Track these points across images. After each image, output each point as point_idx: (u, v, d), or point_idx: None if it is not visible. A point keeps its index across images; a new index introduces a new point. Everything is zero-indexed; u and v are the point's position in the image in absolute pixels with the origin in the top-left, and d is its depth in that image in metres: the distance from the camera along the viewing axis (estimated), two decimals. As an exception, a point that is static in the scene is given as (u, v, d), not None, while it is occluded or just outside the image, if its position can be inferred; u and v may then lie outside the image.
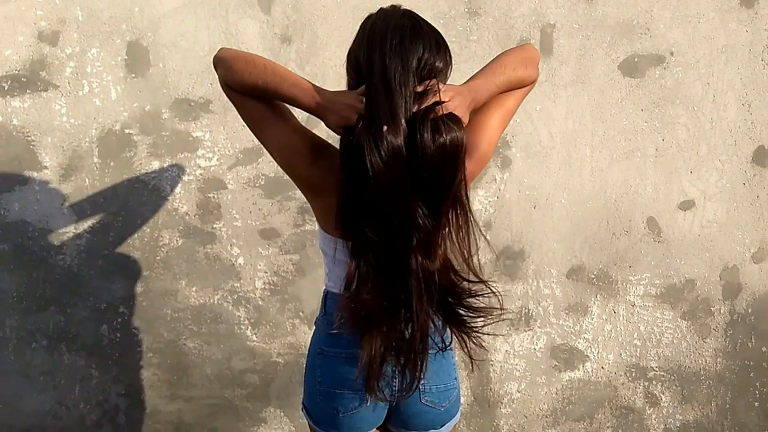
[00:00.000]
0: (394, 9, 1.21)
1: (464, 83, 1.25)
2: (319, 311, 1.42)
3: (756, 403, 2.40)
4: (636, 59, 2.11)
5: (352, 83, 1.22)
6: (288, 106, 1.27)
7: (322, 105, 1.18)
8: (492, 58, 1.33)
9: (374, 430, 1.43)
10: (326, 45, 2.02)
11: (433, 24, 1.22)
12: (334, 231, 1.24)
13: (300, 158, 1.24)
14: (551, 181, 2.18)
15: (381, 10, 1.21)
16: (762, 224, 2.26)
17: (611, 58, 2.10)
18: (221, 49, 1.28)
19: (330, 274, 1.35)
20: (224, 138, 2.06)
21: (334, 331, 1.30)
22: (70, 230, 2.09)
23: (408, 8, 1.22)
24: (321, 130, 1.39)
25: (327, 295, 1.37)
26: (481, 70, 1.29)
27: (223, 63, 1.24)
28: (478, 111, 1.27)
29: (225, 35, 1.99)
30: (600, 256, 2.25)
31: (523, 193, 2.18)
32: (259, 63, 1.21)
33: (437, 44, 1.18)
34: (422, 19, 1.20)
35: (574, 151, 2.16)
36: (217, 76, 1.29)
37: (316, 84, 1.22)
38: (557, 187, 2.18)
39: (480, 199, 2.18)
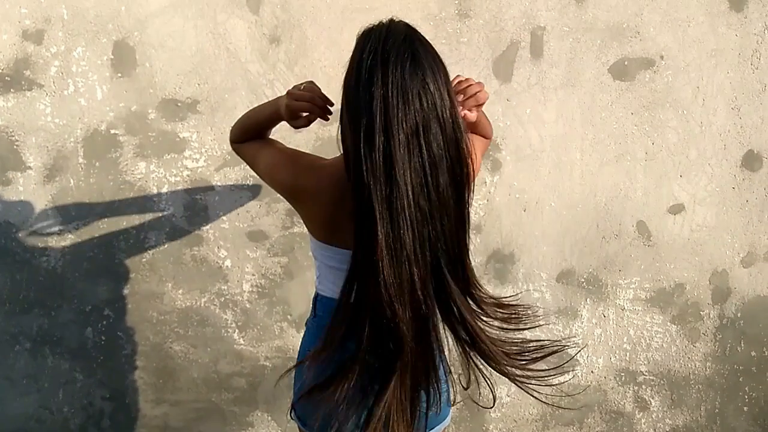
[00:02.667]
0: (396, 29, 1.14)
1: None
2: (309, 313, 1.42)
3: (745, 408, 2.39)
4: (626, 62, 2.10)
5: (346, 113, 1.15)
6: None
7: (278, 103, 1.34)
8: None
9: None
10: (315, 46, 2.00)
11: (422, 26, 1.20)
12: (323, 237, 1.25)
13: (284, 170, 1.28)
14: (541, 184, 2.17)
15: (380, 26, 1.14)
16: (751, 228, 2.26)
17: (601, 61, 2.10)
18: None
19: (321, 278, 1.36)
20: (212, 139, 2.04)
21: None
22: (54, 231, 2.06)
23: (408, 24, 1.16)
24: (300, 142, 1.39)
25: (317, 298, 1.37)
26: None
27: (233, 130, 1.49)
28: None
29: (213, 35, 1.97)
30: (590, 260, 2.24)
31: (513, 197, 2.17)
32: (245, 114, 1.46)
33: (439, 72, 1.13)
34: (422, 40, 1.14)
35: (564, 154, 2.15)
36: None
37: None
38: (547, 190, 2.17)
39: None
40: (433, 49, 1.15)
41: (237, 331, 2.19)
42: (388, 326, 1.12)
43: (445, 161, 1.10)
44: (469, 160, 1.14)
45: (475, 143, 1.33)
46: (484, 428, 2.35)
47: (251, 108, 1.47)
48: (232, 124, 1.49)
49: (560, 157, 2.15)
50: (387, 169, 1.07)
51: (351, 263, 1.15)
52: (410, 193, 1.08)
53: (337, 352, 1.30)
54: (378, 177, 1.07)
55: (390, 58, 1.09)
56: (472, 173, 1.15)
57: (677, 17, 2.08)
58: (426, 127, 1.08)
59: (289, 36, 2.00)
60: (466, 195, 1.15)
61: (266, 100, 1.50)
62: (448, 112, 1.11)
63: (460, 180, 1.13)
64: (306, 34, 2.00)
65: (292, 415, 1.42)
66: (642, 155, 2.17)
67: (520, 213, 2.18)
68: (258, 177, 1.44)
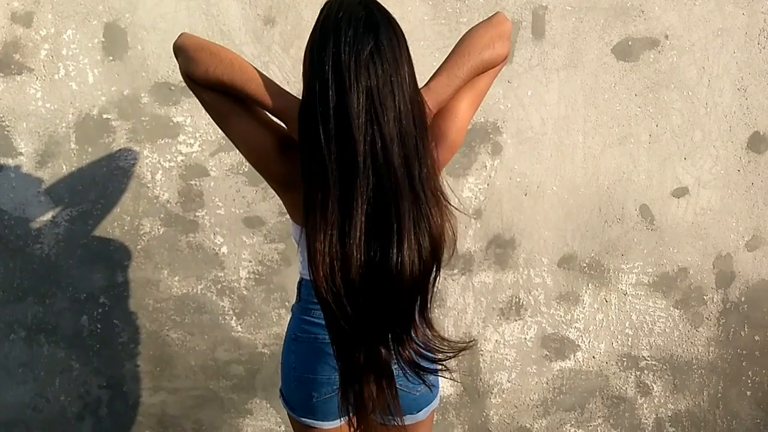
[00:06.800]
0: None
1: (426, 84, 1.20)
2: (295, 298, 1.40)
3: (748, 393, 2.37)
4: (630, 42, 2.05)
5: (306, 81, 1.12)
6: None
7: (287, 115, 1.15)
8: (459, 40, 1.25)
9: (351, 415, 1.40)
10: (311, 27, 1.93)
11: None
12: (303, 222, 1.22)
13: (266, 154, 1.19)
14: (543, 167, 2.13)
15: None
16: (756, 212, 2.22)
17: (605, 41, 2.05)
18: (182, 35, 1.20)
19: (304, 262, 1.33)
20: (206, 123, 2.00)
21: (309, 317, 1.32)
22: (47, 218, 2.03)
23: None
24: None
25: (302, 283, 1.36)
26: (445, 59, 1.22)
27: (185, 53, 1.16)
28: None
29: (205, 16, 1.92)
30: (592, 245, 2.21)
31: (514, 180, 2.13)
32: (225, 57, 1.14)
33: (394, 35, 1.10)
34: (379, 5, 1.13)
35: (566, 137, 2.11)
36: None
37: (300, 67, 1.17)
38: (549, 174, 2.14)
39: (470, 187, 2.13)
40: (390, 14, 1.13)
41: (234, 318, 2.16)
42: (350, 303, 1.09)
43: (402, 125, 1.05)
44: (421, 130, 1.08)
45: (473, 85, 1.23)
46: (484, 414, 2.33)
47: (228, 52, 1.16)
48: (185, 41, 1.17)
49: (562, 140, 2.11)
50: (341, 130, 1.03)
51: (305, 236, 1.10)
52: (365, 154, 1.03)
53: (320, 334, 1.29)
54: (331, 137, 1.04)
55: (343, 18, 1.06)
56: (423, 144, 1.09)
57: (682, -5, 2.03)
58: (381, 87, 1.04)
59: (285, 17, 1.95)
60: (425, 149, 1.08)
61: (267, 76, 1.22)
62: (405, 74, 1.08)
63: (422, 144, 1.08)
64: (302, 15, 1.95)
65: (281, 401, 1.42)
66: (646, 137, 2.13)
67: (521, 197, 2.15)
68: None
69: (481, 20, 1.29)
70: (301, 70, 1.17)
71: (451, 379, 1.24)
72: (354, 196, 1.04)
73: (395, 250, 1.05)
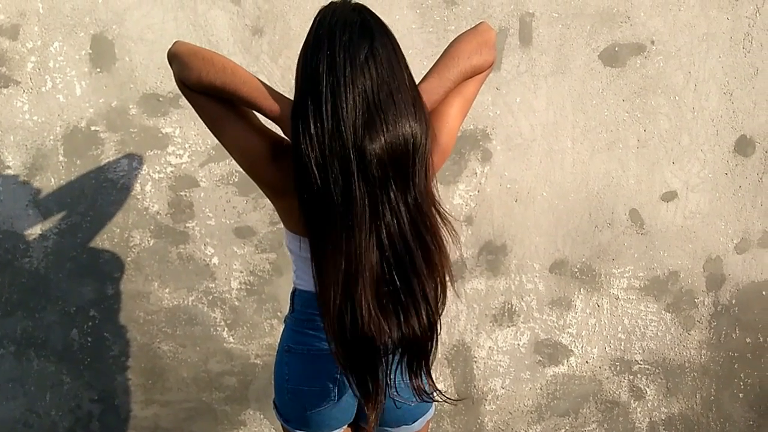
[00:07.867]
0: (344, 3, 1.16)
1: (417, 86, 1.20)
2: (288, 309, 1.40)
3: (741, 395, 2.38)
4: (616, 48, 2.07)
5: (299, 84, 1.13)
6: None
7: (280, 118, 1.16)
8: (446, 47, 1.28)
9: (345, 426, 1.41)
10: (299, 36, 1.95)
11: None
12: (297, 229, 1.21)
13: (260, 159, 1.19)
14: (532, 173, 2.14)
15: (331, 4, 1.15)
16: (744, 214, 2.23)
17: (591, 47, 2.06)
18: (176, 42, 1.21)
19: (297, 272, 1.34)
20: (195, 134, 1.99)
21: (302, 329, 1.31)
22: (36, 232, 2.02)
23: (358, 1, 1.17)
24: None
25: (295, 293, 1.36)
26: (435, 64, 1.24)
27: (179, 59, 1.17)
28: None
29: (193, 27, 1.92)
30: (583, 250, 2.21)
31: (504, 187, 2.14)
32: (218, 62, 1.15)
33: (388, 40, 1.12)
34: (372, 13, 1.15)
35: (555, 143, 2.12)
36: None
37: (290, 77, 1.17)
38: (539, 180, 2.14)
39: (461, 194, 2.13)
40: (383, 21, 1.14)
41: (226, 329, 2.15)
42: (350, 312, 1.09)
43: (400, 126, 1.06)
44: (425, 127, 1.11)
45: (461, 90, 1.25)
46: (479, 421, 2.32)
47: (222, 58, 1.17)
48: (179, 48, 1.18)
49: (551, 146, 2.12)
50: (336, 136, 1.04)
51: (310, 247, 1.11)
52: (363, 161, 1.04)
53: (315, 344, 1.28)
54: (326, 145, 1.04)
55: (338, 24, 1.08)
56: (428, 140, 1.11)
57: (668, 0, 2.05)
58: (378, 90, 1.06)
59: (273, 27, 1.95)
60: (424, 156, 1.10)
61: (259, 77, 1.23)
62: (403, 76, 1.09)
63: (416, 144, 1.09)
64: (290, 25, 1.95)
65: (275, 412, 1.41)
66: (634, 142, 2.14)
67: (511, 203, 2.15)
68: (242, 170, 1.34)
69: (469, 27, 1.31)
70: (292, 80, 1.18)
71: (448, 400, 1.26)
72: (351, 199, 1.05)
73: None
